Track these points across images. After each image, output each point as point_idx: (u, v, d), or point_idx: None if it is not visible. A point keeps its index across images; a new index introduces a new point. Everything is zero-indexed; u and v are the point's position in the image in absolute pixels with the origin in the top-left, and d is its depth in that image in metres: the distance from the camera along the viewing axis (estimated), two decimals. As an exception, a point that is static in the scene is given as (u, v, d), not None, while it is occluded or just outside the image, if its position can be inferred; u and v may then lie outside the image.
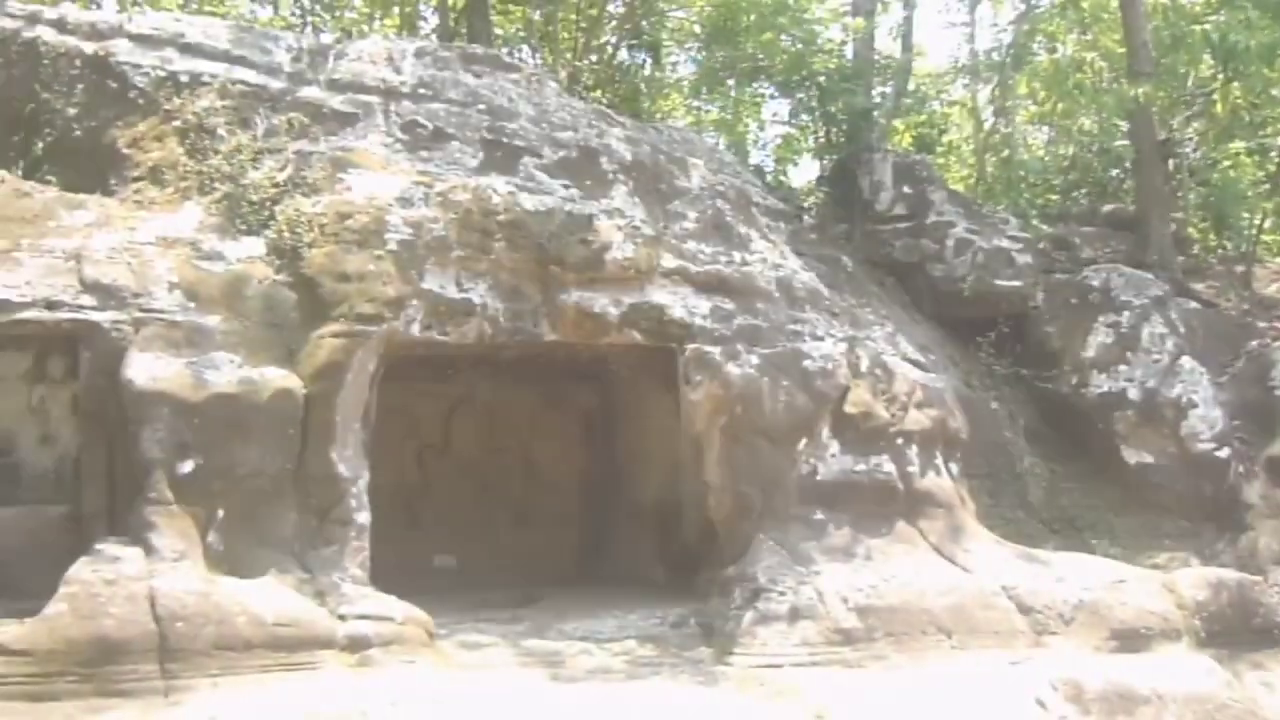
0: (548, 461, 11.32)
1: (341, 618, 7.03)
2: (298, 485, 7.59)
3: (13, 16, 9.39)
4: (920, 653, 8.14)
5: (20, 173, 8.56)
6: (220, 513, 7.19)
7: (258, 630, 6.63)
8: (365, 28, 18.25)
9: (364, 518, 7.79)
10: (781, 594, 8.06)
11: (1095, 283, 13.37)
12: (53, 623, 6.28)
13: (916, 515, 9.36)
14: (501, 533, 10.96)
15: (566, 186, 9.42)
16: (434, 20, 18.45)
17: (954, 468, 10.00)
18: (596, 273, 8.90)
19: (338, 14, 18.20)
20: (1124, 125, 16.61)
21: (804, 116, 17.23)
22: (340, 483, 7.72)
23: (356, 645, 6.92)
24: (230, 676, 6.43)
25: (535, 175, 9.43)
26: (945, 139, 20.43)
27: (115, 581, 6.49)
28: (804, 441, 9.10)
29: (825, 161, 16.54)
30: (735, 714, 6.70)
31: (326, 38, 10.46)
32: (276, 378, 7.51)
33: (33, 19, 9.37)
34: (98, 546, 6.79)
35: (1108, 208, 17.22)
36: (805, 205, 14.86)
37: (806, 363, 9.24)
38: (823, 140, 16.79)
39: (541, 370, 10.78)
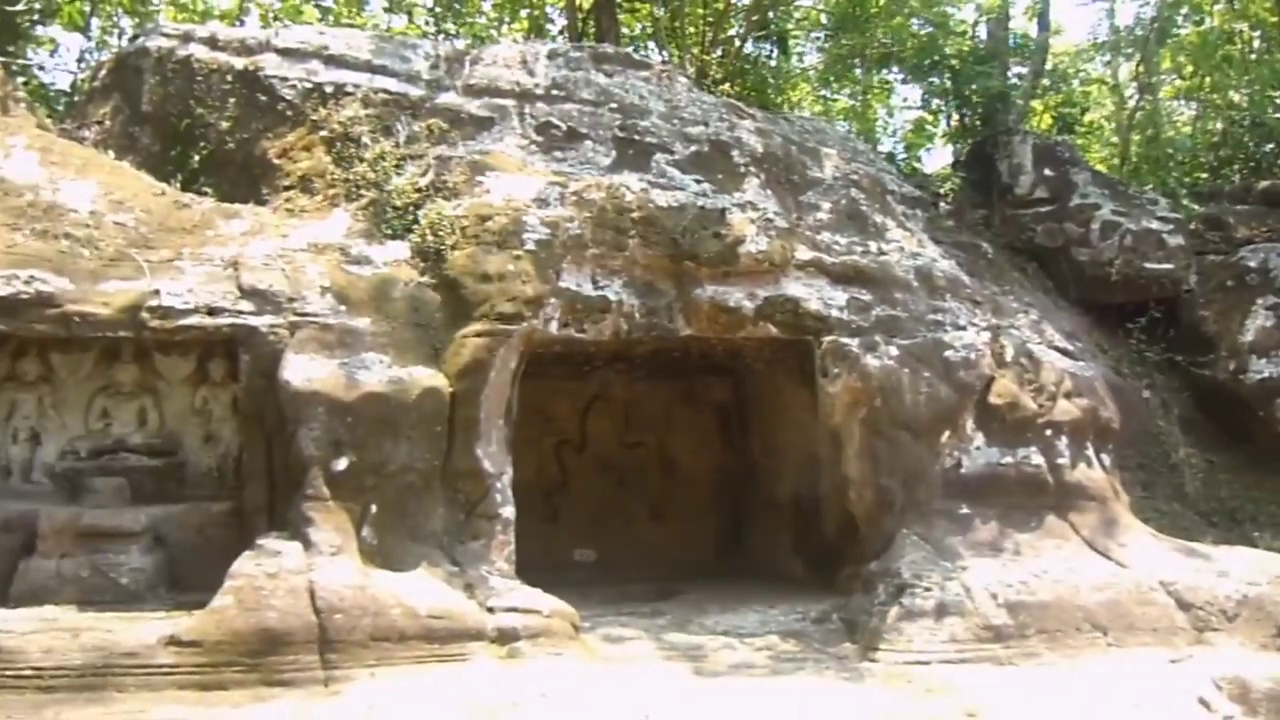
0: (683, 456, 11.36)
1: (490, 610, 7.15)
2: (445, 481, 7.77)
3: (167, 36, 9.89)
4: (1075, 651, 7.85)
5: (179, 185, 8.98)
6: (373, 508, 7.39)
7: (412, 622, 6.81)
8: (494, 32, 18.59)
9: (509, 512, 7.93)
10: (927, 590, 7.88)
11: (1252, 263, 12.77)
12: (220, 615, 6.56)
13: (1067, 508, 9.05)
14: (639, 527, 11.05)
15: (699, 181, 9.45)
16: (561, 21, 18.67)
17: (1106, 459, 9.64)
18: (730, 267, 8.88)
19: (467, 21, 18.56)
20: (1278, 97, 15.75)
21: (937, 101, 16.87)
22: (485, 478, 7.87)
23: (505, 637, 7.02)
24: (386, 667, 6.61)
25: (667, 171, 9.48)
26: (1086, 118, 19.70)
27: (277, 575, 6.75)
28: (947, 433, 8.91)
29: (960, 146, 16.17)
30: (883, 711, 6.57)
31: (460, 44, 10.67)
32: (424, 377, 7.71)
33: (186, 37, 9.84)
34: (260, 541, 7.07)
35: (1263, 184, 16.28)
36: (941, 191, 14.52)
37: (948, 353, 9.05)
38: (957, 124, 16.40)
39: (676, 365, 10.81)
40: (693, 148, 9.72)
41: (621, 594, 9.29)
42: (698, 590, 9.44)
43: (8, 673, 6.19)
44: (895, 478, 8.72)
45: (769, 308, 8.91)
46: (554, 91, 9.86)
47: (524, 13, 18.88)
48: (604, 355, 10.32)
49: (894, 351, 8.92)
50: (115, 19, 17.00)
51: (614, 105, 9.85)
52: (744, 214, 9.15)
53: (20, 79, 11.73)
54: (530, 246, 8.36)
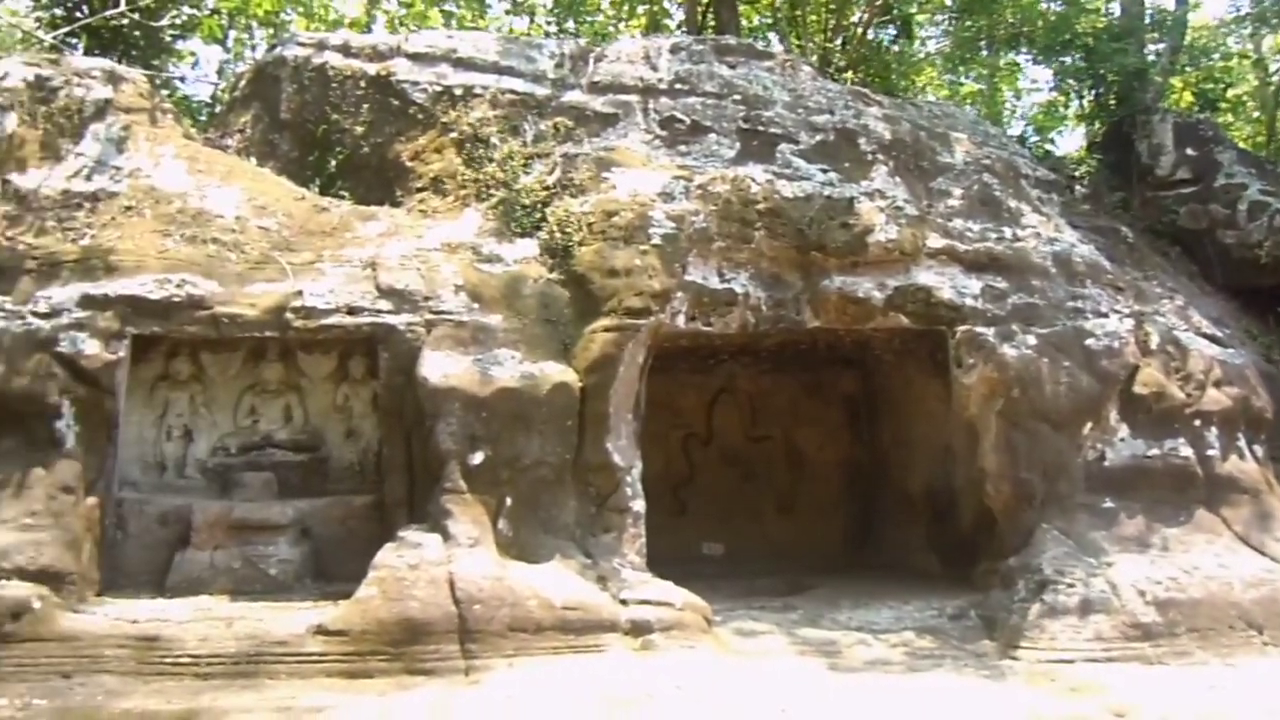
0: (811, 449, 11.27)
1: (623, 603, 7.21)
2: (576, 474, 7.86)
3: (303, 44, 10.20)
4: (1228, 650, 7.53)
5: (317, 189, 9.25)
6: (508, 501, 7.52)
7: (547, 613, 6.90)
8: (613, 29, 18.67)
9: (639, 505, 7.99)
10: (1070, 586, 7.65)
11: None
12: (365, 605, 6.75)
13: (1218, 502, 8.69)
14: (766, 520, 11.00)
15: (825, 171, 9.33)
16: (679, 16, 18.65)
17: (1258, 450, 9.22)
18: (859, 256, 8.77)
19: (586, 20, 18.67)
20: None
21: (1069, 81, 16.29)
22: (616, 471, 7.94)
23: (639, 630, 7.07)
24: (524, 657, 6.71)
25: (793, 161, 9.38)
26: (1229, 95, 18.78)
27: (418, 566, 6.92)
28: (1089, 425, 8.63)
29: (1095, 127, 15.60)
30: (1027, 710, 6.39)
31: (583, 42, 10.75)
32: (555, 372, 7.80)
33: (321, 45, 10.14)
34: (401, 533, 7.25)
35: None
36: (1076, 175, 14.02)
37: (1089, 341, 8.76)
38: (1091, 105, 15.82)
39: (802, 357, 10.72)
40: (818, 137, 9.62)
41: (750, 588, 9.25)
42: (828, 585, 9.34)
43: (167, 660, 6.49)
44: (1035, 470, 8.48)
45: (900, 298, 8.77)
46: (677, 85, 9.87)
47: (641, 8, 18.90)
48: (730, 348, 10.30)
49: (1032, 340, 8.68)
50: (250, 31, 17.63)
51: (738, 97, 9.80)
52: (872, 202, 9.02)
53: (164, 91, 12.25)
54: (656, 241, 8.38)
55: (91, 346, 7.36)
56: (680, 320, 8.40)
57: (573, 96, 9.63)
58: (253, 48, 17.65)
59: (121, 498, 7.72)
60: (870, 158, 9.62)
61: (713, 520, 10.85)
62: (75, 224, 7.99)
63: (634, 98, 9.70)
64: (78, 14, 14.02)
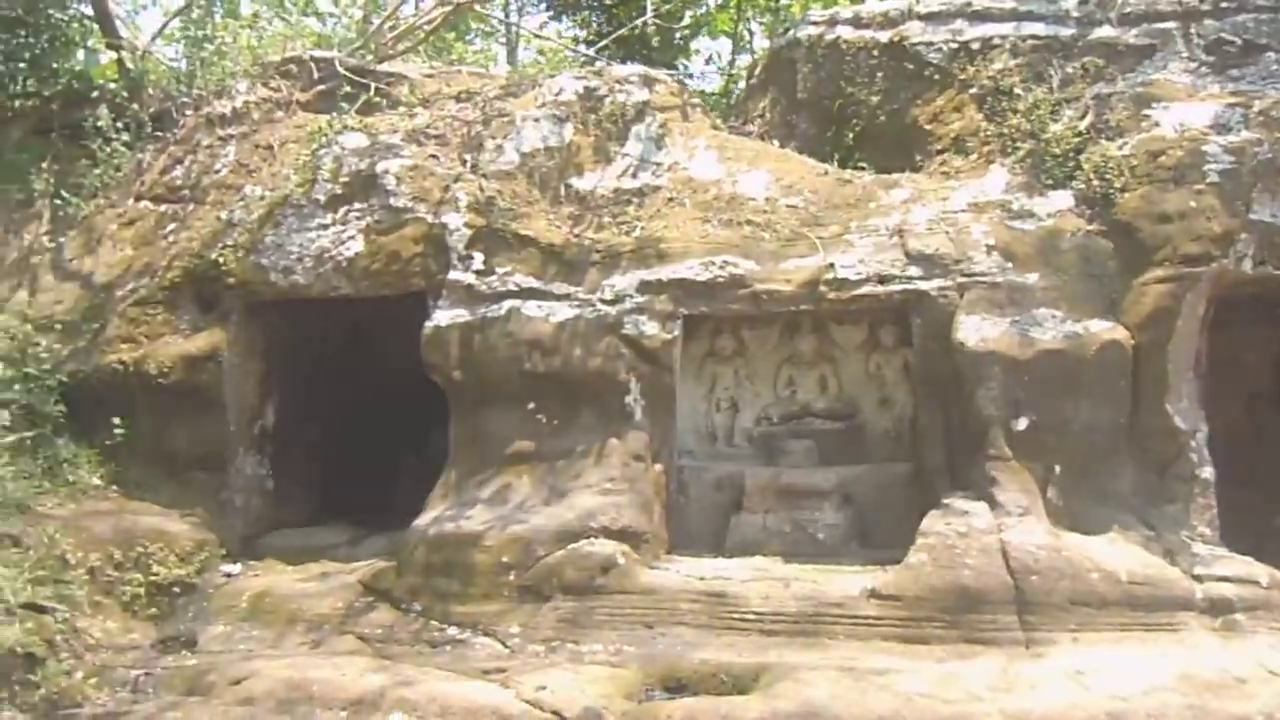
0: None
1: (1197, 579, 6.65)
2: (1131, 440, 7.35)
3: (815, 23, 10.38)
4: None
5: (837, 164, 9.37)
6: (1056, 468, 7.20)
7: (1112, 588, 6.52)
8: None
9: (1207, 473, 7.33)
10: None
11: None
12: (916, 571, 6.80)
13: None
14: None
15: None
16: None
17: None
18: None
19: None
20: None
21: None
22: (1178, 436, 7.33)
23: (1218, 608, 6.50)
24: (1088, 632, 6.41)
25: (1375, 70, 8.01)
26: None
27: (967, 534, 6.84)
28: None
29: None
30: None
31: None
32: (1102, 330, 7.33)
33: (832, 21, 10.26)
34: (945, 501, 7.19)
35: None
36: None
37: None
38: None
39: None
40: None
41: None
42: None
43: (734, 615, 6.98)
44: None
45: None
46: (1223, 4, 8.74)
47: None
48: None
49: None
50: (750, 22, 18.36)
51: (1301, 5, 8.54)
52: None
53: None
54: (1213, 179, 7.55)
55: (651, 328, 8.05)
56: (1247, 265, 7.51)
57: (1101, 33, 8.89)
58: (751, 35, 18.40)
59: (681, 465, 8.39)
60: None
61: (1286, 491, 9.58)
62: (627, 218, 8.77)
63: (1172, 24, 8.76)
64: (604, 29, 15.53)
